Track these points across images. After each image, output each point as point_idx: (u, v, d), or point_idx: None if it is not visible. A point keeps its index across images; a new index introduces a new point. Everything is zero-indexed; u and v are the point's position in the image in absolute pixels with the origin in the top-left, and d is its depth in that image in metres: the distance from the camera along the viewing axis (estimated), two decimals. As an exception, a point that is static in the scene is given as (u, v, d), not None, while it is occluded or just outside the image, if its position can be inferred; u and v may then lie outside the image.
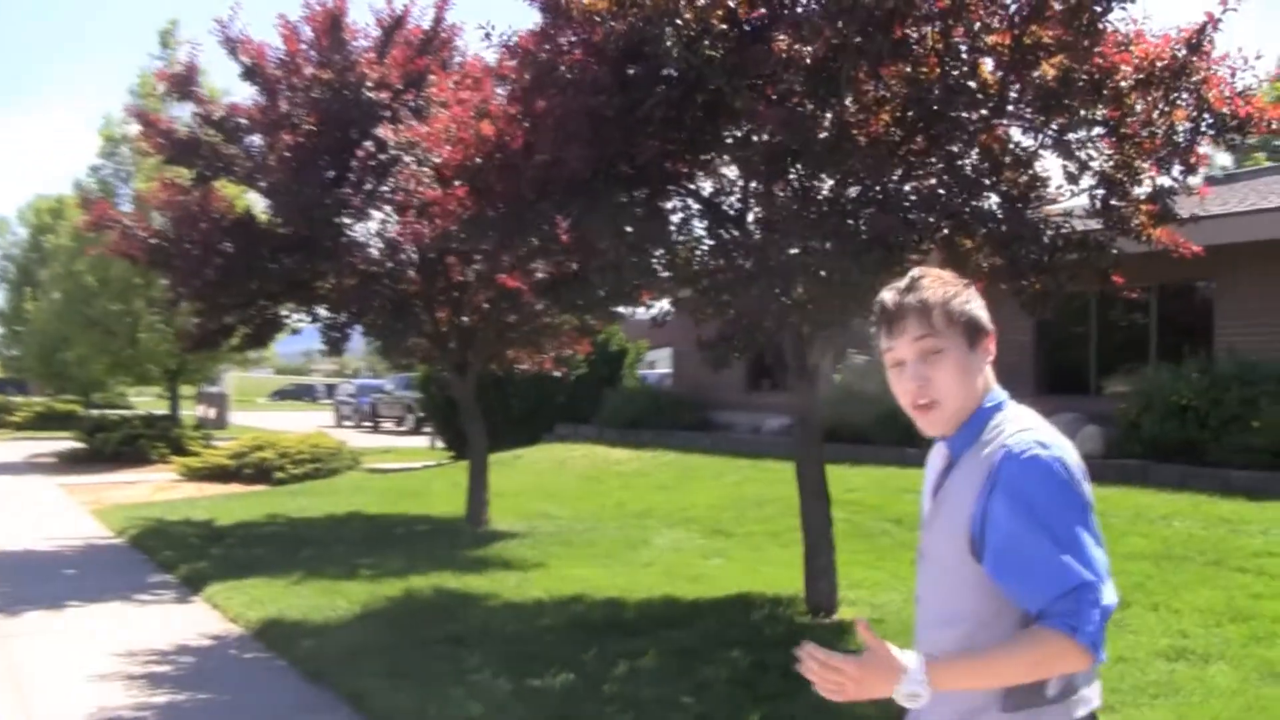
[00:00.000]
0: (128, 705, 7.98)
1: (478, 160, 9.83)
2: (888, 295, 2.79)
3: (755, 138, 8.83)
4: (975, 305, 2.77)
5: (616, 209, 9.30)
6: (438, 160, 10.70)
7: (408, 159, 13.62)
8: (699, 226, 10.05)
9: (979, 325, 2.76)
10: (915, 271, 2.81)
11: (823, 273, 8.46)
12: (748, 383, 25.75)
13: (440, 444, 30.15)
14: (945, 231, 8.41)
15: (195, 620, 10.78)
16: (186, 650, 9.62)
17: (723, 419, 25.28)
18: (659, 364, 37.14)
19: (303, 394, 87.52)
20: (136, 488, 22.88)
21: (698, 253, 9.82)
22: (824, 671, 2.58)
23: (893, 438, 18.18)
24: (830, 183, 8.86)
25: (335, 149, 13.64)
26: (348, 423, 50.08)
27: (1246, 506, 12.33)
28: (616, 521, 15.86)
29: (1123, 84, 8.04)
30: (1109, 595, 2.51)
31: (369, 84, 13.64)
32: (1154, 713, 7.08)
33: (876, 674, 2.55)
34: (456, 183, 9.93)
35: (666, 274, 9.62)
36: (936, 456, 2.87)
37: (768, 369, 25.47)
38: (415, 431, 43.75)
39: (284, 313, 15.93)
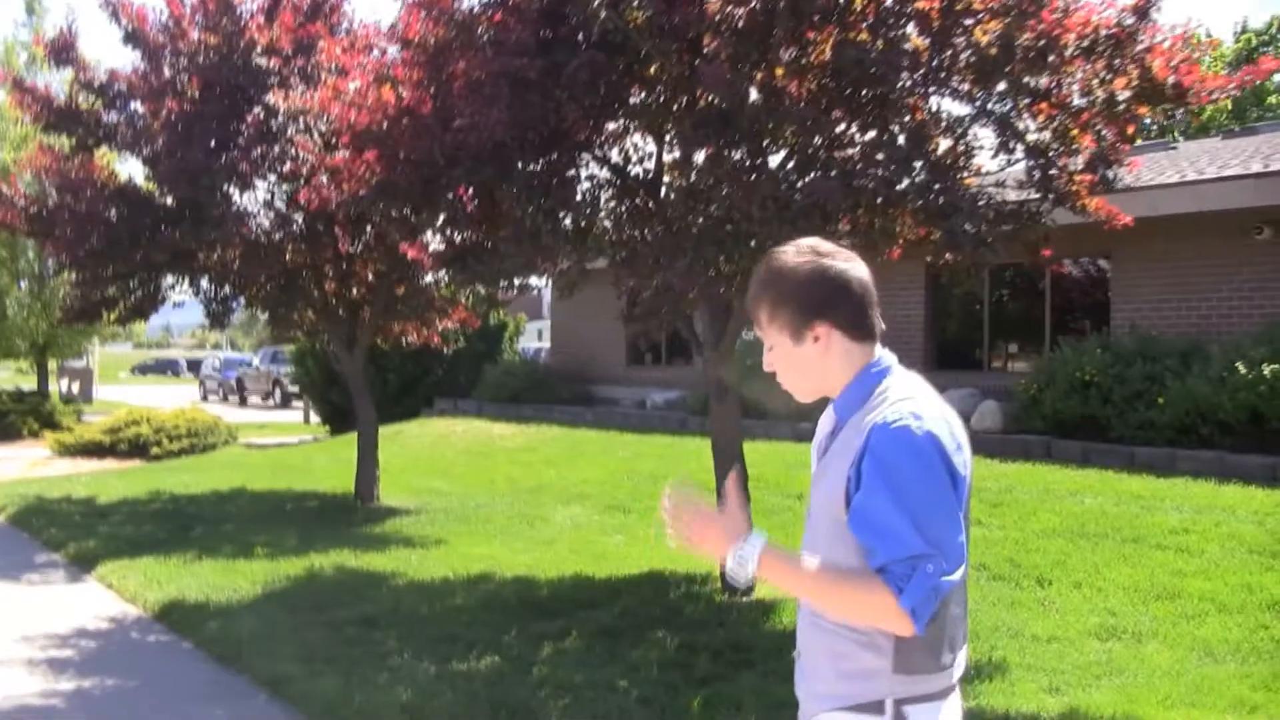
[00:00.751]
0: (33, 693, 7.60)
1: (384, 125, 9.53)
2: (754, 281, 2.86)
3: (677, 103, 8.68)
4: (804, 288, 2.75)
5: (531, 176, 9.09)
6: (336, 126, 10.32)
7: (298, 126, 13.21)
8: (607, 195, 9.88)
9: (805, 313, 2.76)
10: (771, 251, 2.84)
11: (752, 242, 8.33)
12: (629, 357, 25.65)
13: (317, 419, 29.54)
14: (880, 200, 8.29)
15: (90, 601, 10.35)
16: (86, 633, 9.21)
17: (604, 393, 25.14)
18: (527, 338, 36.76)
19: (165, 368, 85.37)
20: (8, 464, 22.01)
21: (611, 221, 9.65)
22: (677, 513, 2.74)
23: (784, 411, 18.16)
24: (743, 150, 8.72)
25: (222, 116, 13.12)
26: (214, 397, 49.13)
27: (1155, 483, 12.44)
28: (509, 498, 15.64)
29: (1067, 51, 7.98)
30: (949, 572, 2.56)
31: (258, 49, 13.17)
32: (1101, 694, 7.05)
33: (721, 530, 2.70)
34: (362, 148, 9.57)
35: (582, 243, 9.41)
36: (825, 419, 2.91)
37: (650, 343, 25.41)
38: (283, 405, 43.03)
39: (166, 284, 15.38)
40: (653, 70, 8.61)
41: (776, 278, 2.78)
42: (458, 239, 10.58)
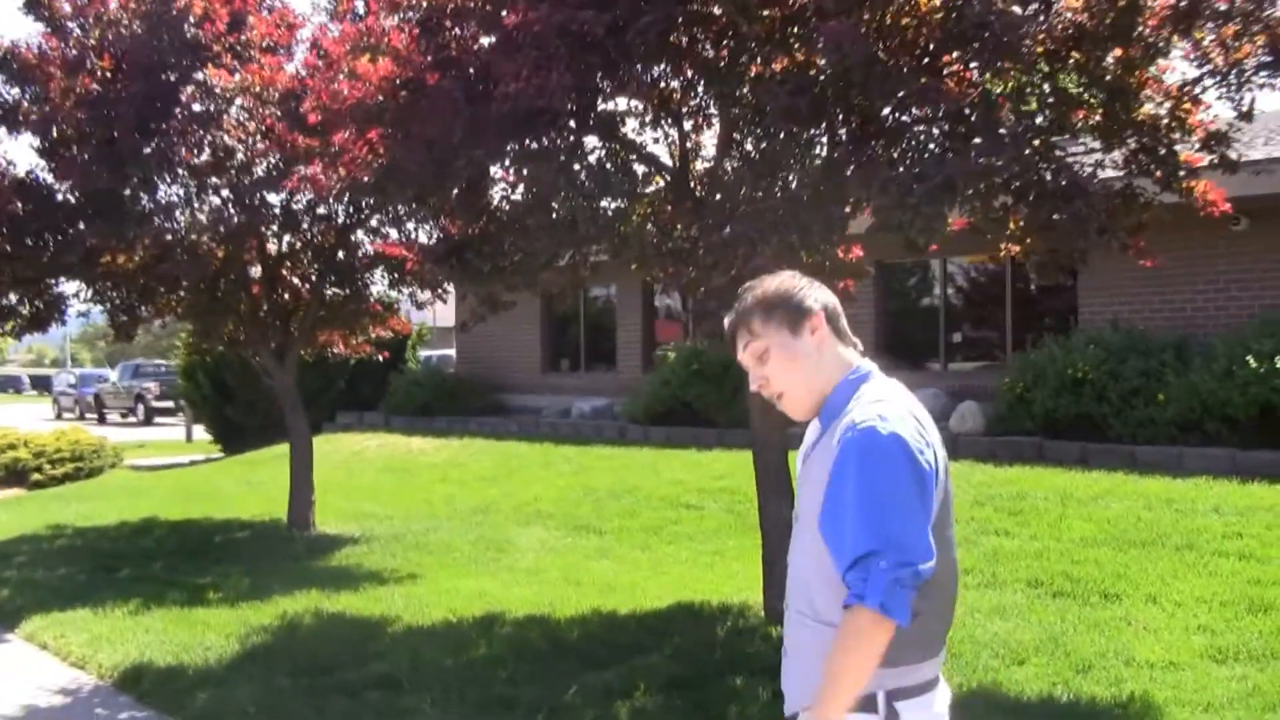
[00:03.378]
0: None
1: (379, 98, 8.12)
2: (727, 317, 2.99)
3: (757, 69, 7.43)
4: (796, 296, 2.93)
5: (569, 152, 7.81)
6: (313, 103, 8.82)
7: (238, 106, 11.65)
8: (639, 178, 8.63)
9: (796, 312, 2.91)
10: (746, 285, 3.01)
11: (850, 226, 7.13)
12: (545, 363, 24.31)
13: (205, 436, 27.38)
14: (1006, 181, 7.13)
15: (26, 668, 8.65)
16: (38, 713, 7.58)
17: (519, 402, 23.75)
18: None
19: (6, 385, 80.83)
20: None
21: (650, 208, 8.39)
22: None
23: (738, 419, 17.03)
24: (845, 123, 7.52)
25: (147, 96, 11.41)
26: (69, 415, 46.36)
27: (1174, 484, 11.68)
28: (456, 521, 14.20)
29: (1208, 11, 6.91)
30: (910, 563, 2.63)
31: (192, 19, 11.48)
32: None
33: None
34: (363, 127, 8.11)
35: (619, 234, 8.13)
36: (811, 429, 3.00)
37: (567, 348, 24.14)
38: (146, 422, 40.67)
39: (70, 291, 13.57)
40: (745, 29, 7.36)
41: (763, 294, 2.94)
42: (454, 232, 9.23)
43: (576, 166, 7.71)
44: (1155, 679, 7.05)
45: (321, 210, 13.39)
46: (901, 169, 6.97)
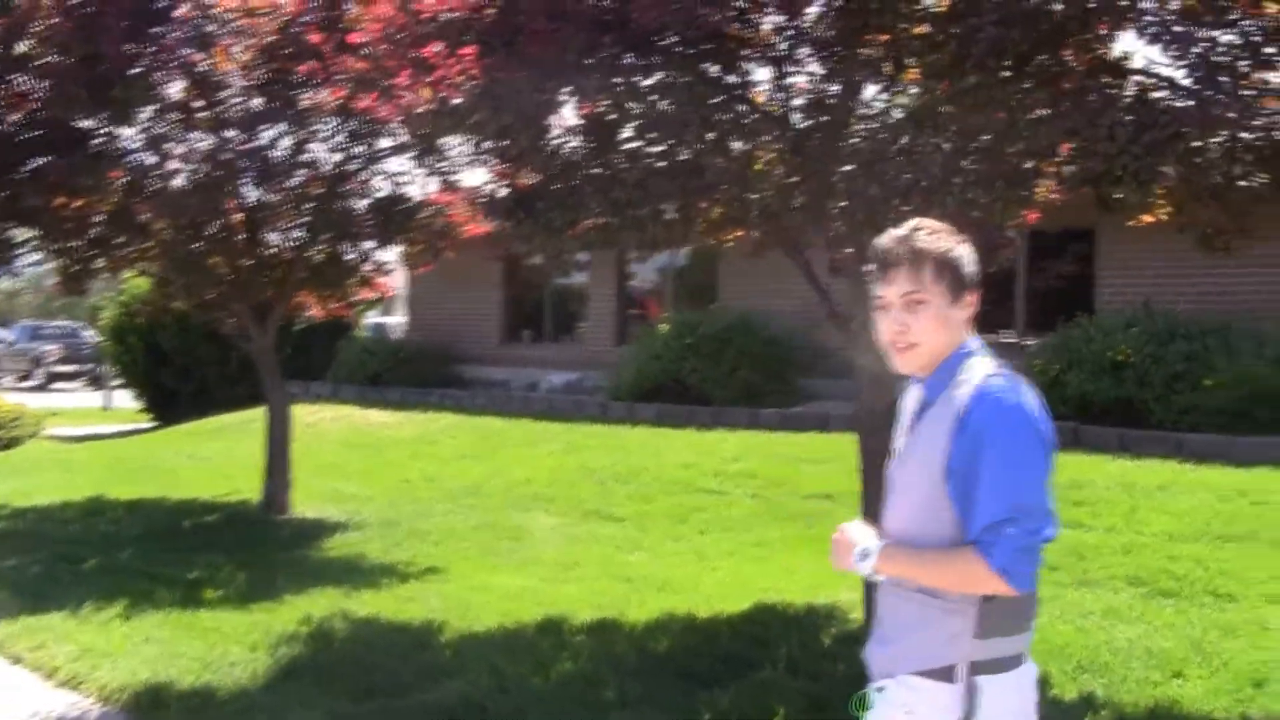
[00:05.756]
0: None
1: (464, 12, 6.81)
2: (885, 241, 2.92)
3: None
4: (965, 262, 2.92)
5: (695, 85, 6.61)
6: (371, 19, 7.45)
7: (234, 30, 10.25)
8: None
9: (964, 282, 2.92)
10: (914, 221, 2.94)
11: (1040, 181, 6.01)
12: (505, 332, 22.98)
13: (132, 405, 25.39)
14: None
15: (5, 687, 7.23)
16: (41, 749, 6.21)
17: (476, 374, 22.34)
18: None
19: (-118, 347, 76.69)
20: None
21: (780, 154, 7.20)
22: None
23: (735, 397, 15.96)
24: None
25: (136, 13, 9.85)
26: (-44, 378, 43.81)
27: (1240, 475, 11.00)
28: (445, 503, 12.90)
29: None
30: (1037, 530, 2.75)
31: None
32: None
33: (853, 536, 2.96)
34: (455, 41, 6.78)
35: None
36: (911, 397, 3.06)
37: (529, 318, 22.93)
38: (42, 388, 38.47)
39: (21, 237, 11.93)
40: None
41: (940, 250, 2.88)
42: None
43: (712, 101, 6.49)
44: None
45: (305, 156, 12.00)
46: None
